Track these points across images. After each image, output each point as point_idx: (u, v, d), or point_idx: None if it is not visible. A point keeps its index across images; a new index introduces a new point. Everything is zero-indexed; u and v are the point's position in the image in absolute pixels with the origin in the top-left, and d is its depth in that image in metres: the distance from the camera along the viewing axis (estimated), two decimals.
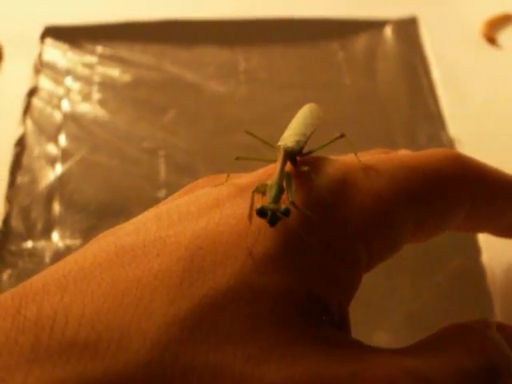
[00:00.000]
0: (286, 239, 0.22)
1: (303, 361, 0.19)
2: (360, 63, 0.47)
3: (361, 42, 0.48)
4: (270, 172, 0.24)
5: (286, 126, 0.26)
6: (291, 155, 0.24)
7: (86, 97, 0.44)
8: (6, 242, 0.37)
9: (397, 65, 0.47)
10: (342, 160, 0.25)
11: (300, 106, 0.44)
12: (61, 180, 0.40)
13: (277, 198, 0.21)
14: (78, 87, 0.45)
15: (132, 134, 0.42)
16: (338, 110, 0.44)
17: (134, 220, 0.23)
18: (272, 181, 0.22)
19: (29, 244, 0.37)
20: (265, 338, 0.19)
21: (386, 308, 0.34)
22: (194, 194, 0.24)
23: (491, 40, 0.49)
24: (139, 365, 0.18)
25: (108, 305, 0.19)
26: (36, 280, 0.20)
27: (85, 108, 0.44)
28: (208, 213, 0.22)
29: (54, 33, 0.48)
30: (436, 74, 0.46)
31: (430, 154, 0.27)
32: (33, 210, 0.38)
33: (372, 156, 0.26)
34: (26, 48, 0.47)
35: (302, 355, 0.19)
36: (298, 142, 0.25)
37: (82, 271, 0.20)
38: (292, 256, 0.21)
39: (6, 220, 0.38)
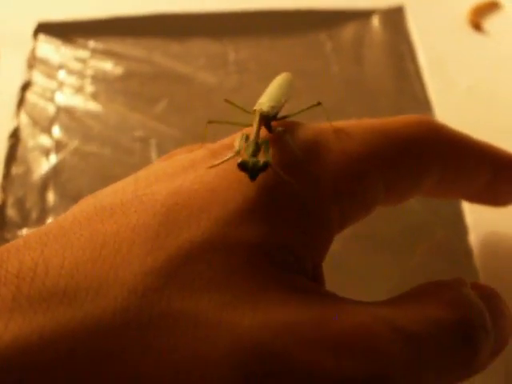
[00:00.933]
0: (261, 195, 0.22)
1: (277, 307, 0.20)
2: (348, 52, 0.47)
3: (348, 31, 0.49)
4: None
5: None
6: (266, 119, 0.25)
7: (79, 90, 0.45)
8: (2, 231, 0.37)
9: (384, 53, 0.47)
10: (315, 124, 0.26)
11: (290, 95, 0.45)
12: (55, 170, 0.40)
13: (255, 154, 0.23)
14: (71, 81, 0.46)
15: (124, 125, 0.43)
16: (327, 98, 0.44)
17: (113, 184, 0.24)
18: (249, 140, 0.23)
19: (24, 232, 0.37)
20: (239, 285, 0.20)
21: (369, 285, 0.35)
22: (171, 159, 0.25)
23: (477, 26, 0.49)
24: (116, 311, 0.18)
25: (87, 257, 0.20)
26: (18, 240, 0.21)
27: (77, 100, 0.44)
28: (184, 173, 0.23)
29: (47, 29, 0.48)
30: (422, 60, 0.47)
31: (402, 119, 0.27)
32: (28, 199, 0.39)
33: (345, 122, 0.27)
34: (19, 44, 0.48)
35: (276, 301, 0.20)
36: (272, 108, 0.25)
37: (63, 229, 0.21)
38: (266, 210, 0.22)
39: (2, 209, 0.38)
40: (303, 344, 0.19)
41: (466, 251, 0.36)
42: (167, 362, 0.18)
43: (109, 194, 0.23)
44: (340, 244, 0.36)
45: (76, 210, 0.23)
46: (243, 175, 0.23)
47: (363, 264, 0.36)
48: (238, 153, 0.23)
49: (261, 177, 0.22)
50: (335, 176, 0.24)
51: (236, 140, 0.24)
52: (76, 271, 0.19)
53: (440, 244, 0.37)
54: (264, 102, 0.26)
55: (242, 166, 0.22)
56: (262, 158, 0.22)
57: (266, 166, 0.22)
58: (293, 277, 0.21)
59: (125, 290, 0.19)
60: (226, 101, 0.27)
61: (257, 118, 0.24)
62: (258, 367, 0.19)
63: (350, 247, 0.36)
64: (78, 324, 0.18)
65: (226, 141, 0.25)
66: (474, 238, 0.37)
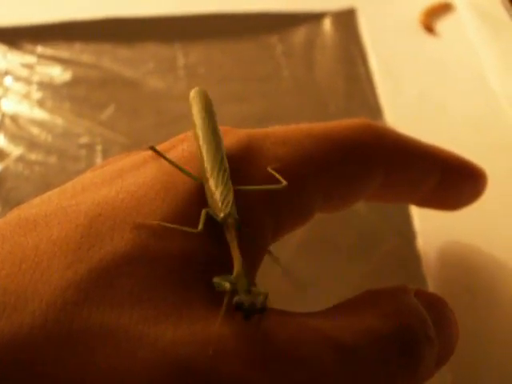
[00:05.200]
0: (187, 206, 0.22)
1: (201, 321, 0.19)
2: (299, 55, 0.47)
3: (300, 34, 0.48)
4: (181, 138, 0.25)
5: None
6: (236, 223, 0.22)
7: (25, 96, 0.44)
8: None
9: (335, 56, 0.47)
10: (249, 130, 0.25)
11: (239, 99, 0.44)
12: None
13: (249, 289, 0.20)
14: (17, 87, 0.45)
15: (70, 131, 0.42)
16: (277, 102, 0.44)
17: (41, 195, 0.24)
18: (236, 270, 0.21)
19: None
20: (162, 298, 0.20)
21: (319, 292, 0.34)
22: (101, 168, 0.24)
23: (429, 29, 0.49)
24: (34, 325, 0.18)
25: (6, 271, 0.19)
26: None
27: (23, 107, 0.43)
28: (111, 183, 0.23)
29: None
30: (374, 63, 0.47)
31: (341, 123, 0.27)
32: None
33: (283, 127, 0.26)
34: None
35: (200, 315, 0.20)
36: (229, 203, 0.22)
37: None
38: (192, 222, 0.21)
39: None
40: (228, 359, 0.19)
41: (415, 257, 0.36)
42: (85, 376, 0.18)
43: (34, 206, 0.23)
44: (292, 251, 0.36)
45: (1, 222, 0.22)
46: (170, 183, 0.22)
47: (315, 272, 0.36)
48: (228, 291, 0.20)
49: (191, 188, 0.22)
50: (267, 182, 0.23)
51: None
52: None
53: (390, 250, 0.37)
54: (214, 193, 0.23)
55: (238, 306, 0.19)
56: (256, 295, 0.20)
57: (264, 308, 0.19)
58: (216, 291, 0.21)
59: (43, 304, 0.18)
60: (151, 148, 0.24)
61: (232, 232, 0.21)
62: (179, 382, 0.18)
63: (303, 254, 0.36)
64: None
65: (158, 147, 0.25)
66: (422, 244, 0.37)
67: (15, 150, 0.41)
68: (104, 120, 0.43)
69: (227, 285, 0.20)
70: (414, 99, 0.45)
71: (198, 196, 0.22)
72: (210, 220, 0.22)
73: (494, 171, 0.33)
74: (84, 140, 0.41)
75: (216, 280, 0.20)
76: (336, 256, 0.36)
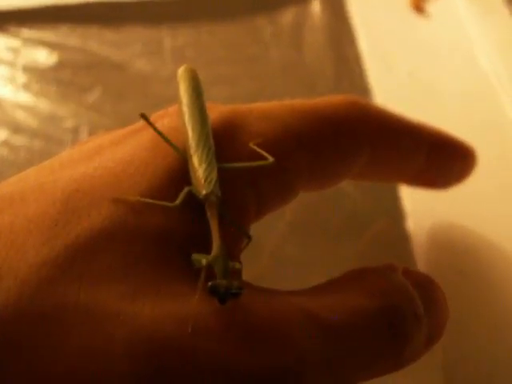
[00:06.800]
0: (167, 182, 0.22)
1: (181, 298, 0.19)
2: (287, 37, 0.47)
3: (288, 15, 0.48)
4: (161, 114, 0.25)
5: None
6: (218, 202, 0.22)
7: (10, 80, 0.44)
8: None
9: (324, 38, 0.47)
10: (233, 106, 0.25)
11: (227, 81, 0.44)
12: None
13: (226, 272, 0.20)
14: (2, 71, 0.44)
15: (55, 115, 0.41)
16: (266, 84, 0.44)
17: (20, 173, 0.23)
18: (214, 251, 0.20)
19: None
20: (141, 275, 0.19)
21: (307, 275, 0.34)
22: (80, 146, 0.24)
23: (419, 9, 0.49)
24: (9, 302, 0.18)
25: None
26: None
27: (8, 91, 0.43)
28: (89, 159, 0.22)
29: None
30: (363, 44, 0.46)
31: (326, 99, 0.26)
32: None
33: (267, 104, 0.26)
34: None
35: (180, 293, 0.19)
36: (212, 181, 0.22)
37: None
38: (171, 198, 0.21)
39: None
40: (207, 335, 0.19)
41: (404, 238, 0.36)
42: (60, 354, 0.17)
43: (11, 183, 0.22)
44: (281, 232, 0.35)
45: None
46: (150, 159, 0.22)
47: (303, 254, 0.35)
48: (204, 267, 0.20)
49: (171, 164, 0.22)
50: (250, 158, 0.23)
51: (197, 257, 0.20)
52: None
53: (380, 232, 0.36)
54: (197, 172, 0.22)
55: (213, 291, 0.19)
56: (232, 278, 0.19)
57: (240, 291, 0.19)
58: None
59: (18, 281, 0.18)
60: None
61: (213, 211, 0.21)
62: (157, 359, 0.18)
63: (291, 235, 0.36)
64: None
65: (135, 125, 0.24)
66: (411, 225, 0.36)
67: (0, 135, 0.40)
68: (90, 103, 0.42)
69: (204, 261, 0.20)
70: (403, 80, 0.44)
71: (179, 172, 0.22)
72: (193, 198, 0.21)
73: (484, 151, 0.33)
74: (70, 124, 0.41)
75: (195, 257, 0.20)
76: (325, 237, 0.36)
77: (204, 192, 0.21)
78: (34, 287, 0.18)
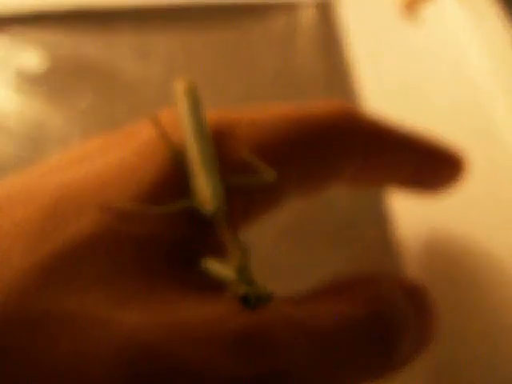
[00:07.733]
0: (156, 188, 0.21)
1: (167, 306, 0.19)
2: (278, 42, 0.47)
3: (279, 21, 0.48)
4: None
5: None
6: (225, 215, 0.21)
7: (0, 85, 0.44)
8: None
9: (315, 44, 0.47)
10: (223, 112, 0.25)
11: (217, 87, 0.44)
12: None
13: (249, 281, 0.19)
14: None
15: (45, 120, 0.41)
16: (256, 90, 0.44)
17: (8, 177, 0.23)
18: (234, 261, 0.20)
19: None
20: (127, 282, 0.19)
21: (297, 281, 0.34)
22: (70, 150, 0.24)
23: (412, 16, 0.49)
24: None
25: None
26: None
27: None
28: (78, 164, 0.22)
29: None
30: (354, 50, 0.46)
31: (317, 106, 0.26)
32: None
33: (257, 109, 0.26)
34: None
35: (167, 300, 0.19)
36: (219, 196, 0.22)
37: None
38: (161, 204, 0.21)
39: None
40: (194, 344, 0.18)
41: (394, 245, 0.36)
42: (47, 361, 0.17)
43: None
44: (272, 238, 0.35)
45: None
46: (139, 165, 0.22)
47: (294, 258, 0.35)
48: (233, 283, 0.20)
49: (161, 169, 0.22)
50: (243, 166, 0.23)
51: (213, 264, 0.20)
52: None
53: (369, 238, 0.36)
54: (207, 189, 0.22)
55: (245, 302, 0.19)
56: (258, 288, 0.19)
57: (270, 298, 0.19)
58: (188, 274, 0.20)
59: (5, 287, 0.18)
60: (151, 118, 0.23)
61: (224, 224, 0.21)
62: (144, 368, 0.18)
63: (282, 241, 0.36)
64: None
65: (126, 129, 0.24)
66: (400, 232, 0.36)
67: None
68: (81, 108, 0.42)
69: (231, 274, 0.20)
70: (394, 86, 0.44)
71: (168, 178, 0.22)
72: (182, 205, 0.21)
73: (473, 157, 0.33)
74: (60, 129, 0.41)
75: (211, 270, 0.20)
76: (315, 244, 0.36)
77: (212, 208, 0.21)
78: (19, 293, 0.18)
